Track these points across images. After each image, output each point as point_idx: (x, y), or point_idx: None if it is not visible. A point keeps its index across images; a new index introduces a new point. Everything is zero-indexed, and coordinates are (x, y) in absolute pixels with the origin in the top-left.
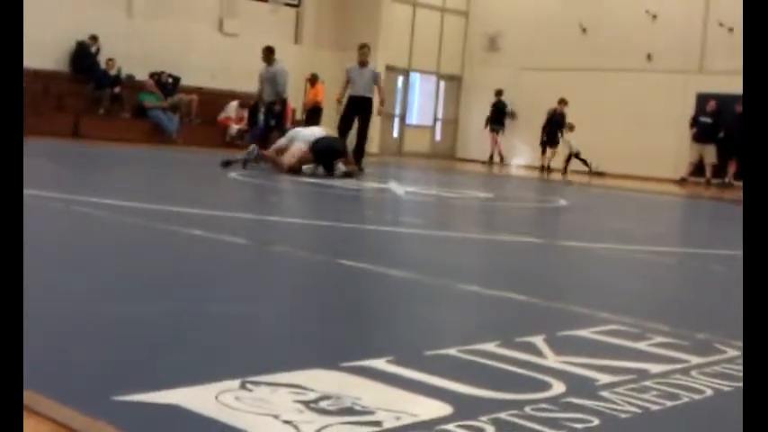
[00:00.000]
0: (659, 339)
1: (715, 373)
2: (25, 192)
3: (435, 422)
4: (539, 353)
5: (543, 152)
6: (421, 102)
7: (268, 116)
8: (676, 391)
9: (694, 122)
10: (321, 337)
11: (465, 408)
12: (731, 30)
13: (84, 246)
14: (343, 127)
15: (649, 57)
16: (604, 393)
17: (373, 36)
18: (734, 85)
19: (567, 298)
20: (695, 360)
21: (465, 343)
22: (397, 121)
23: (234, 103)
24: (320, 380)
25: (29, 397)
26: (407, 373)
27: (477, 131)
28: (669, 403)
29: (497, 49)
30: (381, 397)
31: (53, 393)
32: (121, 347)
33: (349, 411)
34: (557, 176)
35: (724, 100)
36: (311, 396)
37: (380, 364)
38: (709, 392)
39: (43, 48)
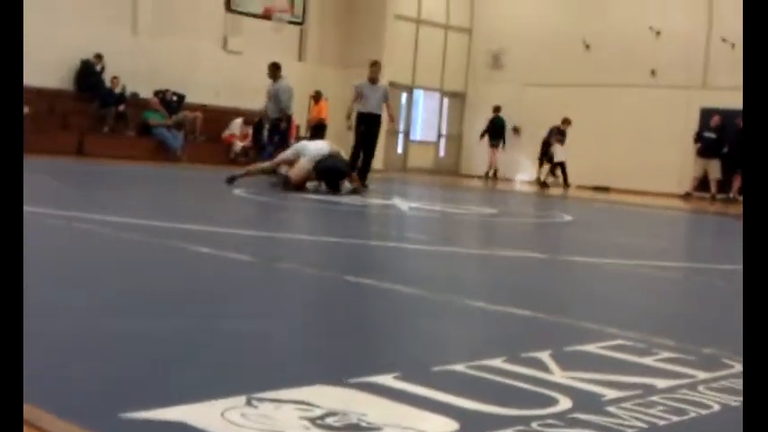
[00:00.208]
0: (666, 354)
1: (722, 388)
2: (28, 209)
3: None
4: (545, 368)
5: (540, 166)
6: (425, 118)
7: (273, 132)
8: (683, 406)
9: (698, 137)
10: (328, 353)
11: (471, 424)
12: (734, 45)
13: (87, 262)
14: (360, 149)
15: (653, 72)
16: (611, 409)
17: (377, 53)
18: (737, 100)
19: (573, 313)
20: (702, 375)
21: (471, 358)
22: (401, 137)
23: (238, 121)
24: (326, 396)
25: (29, 411)
26: (414, 389)
27: (481, 148)
28: (676, 418)
29: (501, 65)
30: (388, 413)
31: (53, 408)
32: (124, 364)
33: (355, 428)
34: (555, 191)
35: (728, 115)
36: (317, 412)
37: (387, 379)
38: (716, 407)
39: (48, 66)
